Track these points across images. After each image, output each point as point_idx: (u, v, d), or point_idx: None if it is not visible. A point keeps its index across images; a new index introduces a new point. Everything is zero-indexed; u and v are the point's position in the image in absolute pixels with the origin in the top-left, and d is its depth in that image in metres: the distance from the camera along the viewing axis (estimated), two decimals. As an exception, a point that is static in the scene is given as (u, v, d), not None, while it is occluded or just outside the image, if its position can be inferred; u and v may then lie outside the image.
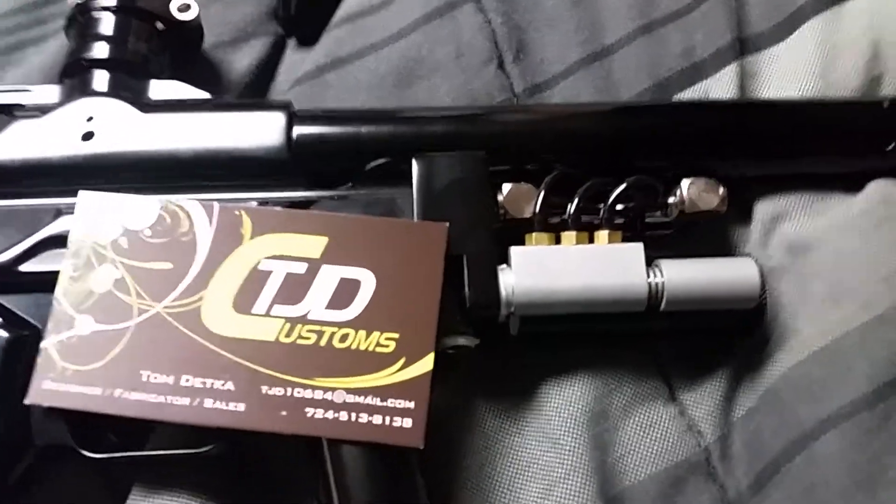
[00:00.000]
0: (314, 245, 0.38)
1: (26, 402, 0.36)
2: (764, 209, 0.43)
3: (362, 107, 0.45)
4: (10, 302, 0.39)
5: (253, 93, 0.49)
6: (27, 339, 0.38)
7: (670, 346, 0.43)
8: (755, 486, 0.39)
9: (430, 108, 0.44)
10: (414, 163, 0.40)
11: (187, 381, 0.36)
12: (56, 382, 0.36)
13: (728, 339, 0.42)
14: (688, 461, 0.40)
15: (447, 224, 0.38)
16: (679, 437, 0.41)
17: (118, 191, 0.39)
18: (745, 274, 0.39)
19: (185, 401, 0.36)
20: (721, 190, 0.42)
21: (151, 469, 0.40)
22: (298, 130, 0.41)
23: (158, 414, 0.36)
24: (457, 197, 0.39)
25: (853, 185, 0.43)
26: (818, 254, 0.41)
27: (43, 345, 0.37)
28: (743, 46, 0.46)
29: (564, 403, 0.41)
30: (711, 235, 0.44)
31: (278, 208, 0.39)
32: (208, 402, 0.36)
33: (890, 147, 0.42)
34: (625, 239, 0.40)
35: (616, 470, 0.40)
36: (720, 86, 0.45)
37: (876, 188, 0.42)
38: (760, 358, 0.41)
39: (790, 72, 0.46)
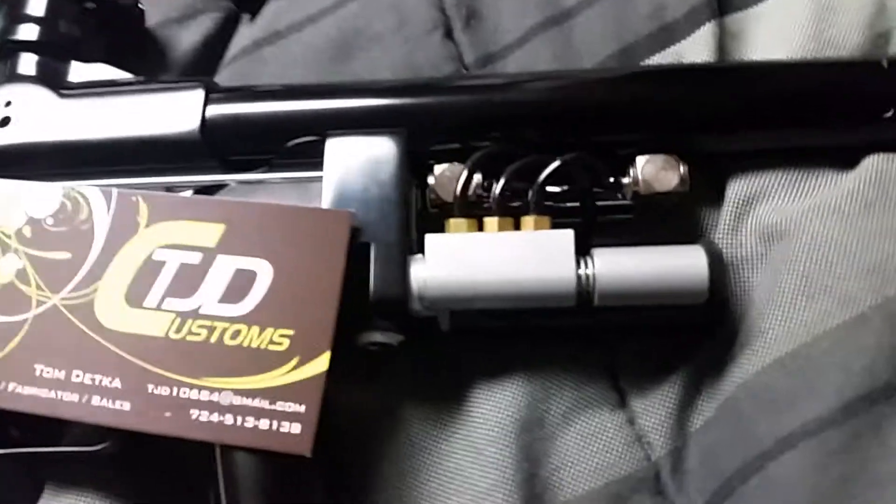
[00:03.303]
0: (210, 233, 0.35)
1: (-77, 396, 0.35)
2: (737, 189, 0.38)
3: (283, 83, 0.42)
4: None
5: (200, 71, 0.46)
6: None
7: (625, 345, 0.38)
8: (709, 508, 0.34)
9: (351, 83, 0.40)
10: (327, 143, 0.36)
11: (78, 376, 0.35)
12: (-46, 376, 0.35)
13: (689, 337, 0.37)
14: (633, 476, 0.36)
15: (351, 211, 0.35)
16: (625, 448, 0.36)
17: (34, 178, 0.38)
18: (690, 264, 0.34)
19: (75, 397, 0.34)
20: (682, 168, 0.36)
21: (65, 467, 0.38)
22: (211, 110, 0.38)
23: (50, 410, 0.35)
24: (369, 180, 0.36)
25: (846, 160, 0.37)
26: (794, 241, 0.35)
27: (-55, 337, 0.36)
28: (723, 4, 0.40)
29: (493, 409, 0.37)
30: (678, 219, 0.39)
31: (175, 194, 0.37)
32: (96, 400, 0.34)
33: (889, 114, 0.36)
34: (573, 225, 0.36)
35: (549, 484, 0.36)
36: (695, 49, 0.40)
37: (870, 164, 0.36)
38: (722, 361, 0.36)
39: (779, 31, 0.40)
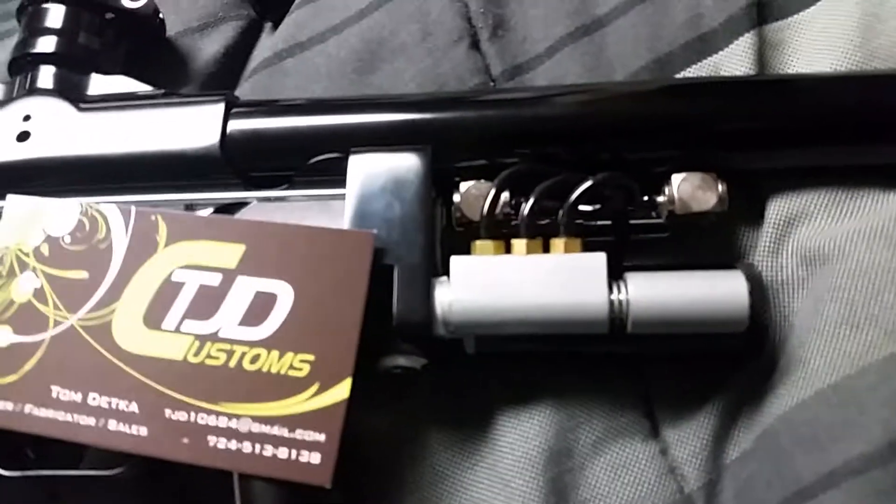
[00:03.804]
0: (230, 254, 0.35)
1: (-61, 417, 0.34)
2: (777, 209, 0.36)
3: (309, 97, 0.40)
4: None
5: (221, 82, 0.45)
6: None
7: (659, 372, 0.36)
8: (743, 547, 0.33)
9: (375, 97, 0.39)
10: (350, 160, 0.35)
11: (94, 399, 0.34)
12: (-29, 397, 0.35)
13: (725, 364, 0.35)
14: (665, 511, 0.34)
15: (374, 232, 0.34)
16: (657, 480, 0.35)
17: (53, 193, 0.37)
18: (730, 291, 0.32)
19: (91, 421, 0.34)
20: (720, 187, 0.35)
21: (83, 490, 0.37)
22: (232, 126, 0.37)
23: (66, 434, 0.34)
24: (392, 199, 0.34)
25: (893, 179, 0.35)
26: (838, 266, 0.33)
27: (-38, 357, 0.35)
28: (763, 12, 0.39)
29: (520, 439, 0.35)
30: (715, 240, 0.37)
31: (194, 213, 0.36)
32: (112, 424, 0.33)
33: (941, 130, 0.34)
34: (605, 243, 0.34)
35: (577, 518, 0.34)
36: (733, 61, 0.38)
37: (920, 183, 0.34)
38: (761, 391, 0.34)
39: (823, 40, 0.38)
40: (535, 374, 0.37)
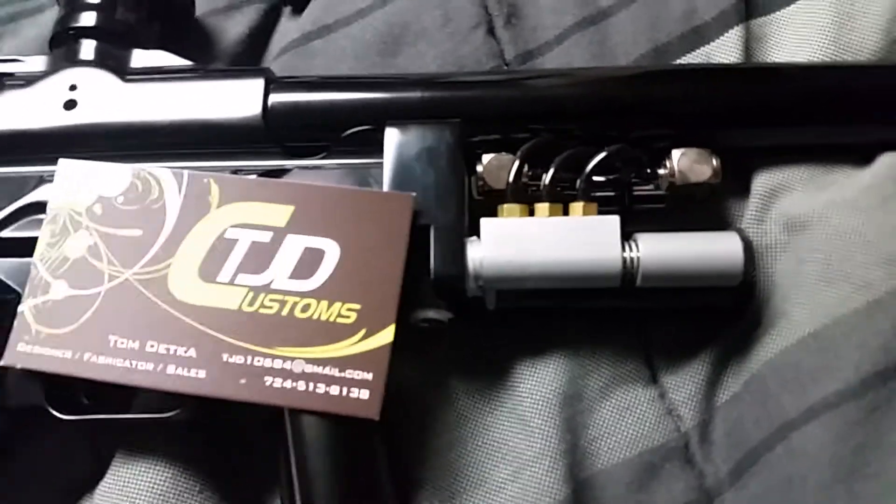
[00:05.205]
0: (280, 214, 0.38)
1: (1, 363, 0.37)
2: (762, 182, 0.41)
3: (343, 74, 0.44)
4: (-5, 267, 0.39)
5: (245, 61, 0.48)
6: (9, 303, 0.38)
7: (658, 326, 0.41)
8: (734, 473, 0.37)
9: (407, 75, 0.42)
10: (386, 132, 0.39)
11: (152, 346, 0.37)
12: (30, 345, 0.37)
13: (717, 319, 0.40)
14: (665, 446, 0.39)
15: (413, 194, 0.37)
16: (657, 420, 0.39)
17: (99, 159, 0.40)
18: (727, 249, 0.37)
19: (150, 366, 0.36)
20: (715, 161, 0.39)
21: (134, 436, 0.40)
22: (274, 98, 0.40)
23: (124, 378, 0.37)
24: (427, 166, 0.38)
25: (863, 157, 0.40)
26: (816, 231, 0.38)
27: (20, 308, 0.38)
28: (749, 8, 0.43)
29: (538, 384, 0.39)
30: (706, 209, 0.42)
31: (247, 177, 0.39)
32: (171, 369, 0.36)
33: (903, 115, 0.39)
34: (610, 212, 0.39)
35: (588, 453, 0.39)
36: (723, 51, 0.43)
37: (886, 161, 0.39)
38: (748, 341, 0.39)
39: (801, 35, 0.43)
40: (549, 328, 0.41)
